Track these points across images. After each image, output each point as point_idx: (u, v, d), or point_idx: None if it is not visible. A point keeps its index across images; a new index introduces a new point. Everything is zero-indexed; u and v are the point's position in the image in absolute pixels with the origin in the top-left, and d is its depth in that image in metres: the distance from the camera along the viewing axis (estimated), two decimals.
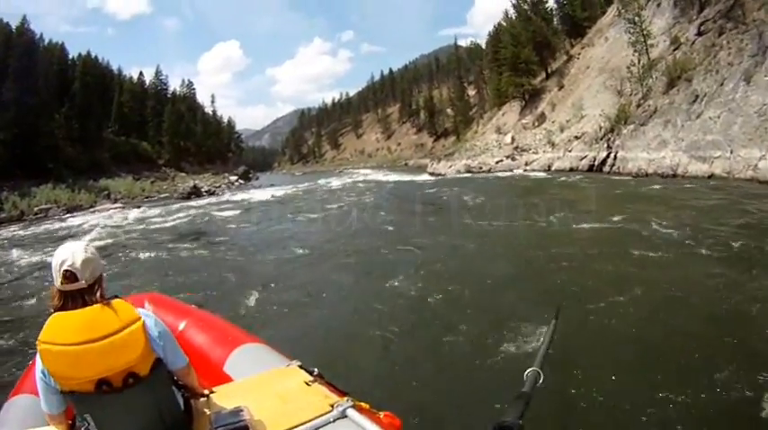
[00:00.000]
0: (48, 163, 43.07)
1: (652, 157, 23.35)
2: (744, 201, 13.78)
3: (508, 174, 35.08)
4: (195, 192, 42.06)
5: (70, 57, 66.53)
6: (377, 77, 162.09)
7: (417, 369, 5.42)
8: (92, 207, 33.67)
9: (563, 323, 3.29)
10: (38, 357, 1.87)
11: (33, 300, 9.18)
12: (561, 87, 44.96)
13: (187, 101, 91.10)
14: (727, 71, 22.87)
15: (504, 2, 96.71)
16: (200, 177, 62.04)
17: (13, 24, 51.87)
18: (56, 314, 1.87)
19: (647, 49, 30.98)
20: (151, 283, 9.63)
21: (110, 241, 17.00)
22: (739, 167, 19.08)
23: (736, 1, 25.61)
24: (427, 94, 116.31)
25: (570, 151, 32.71)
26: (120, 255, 13.87)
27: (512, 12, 59.94)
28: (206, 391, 2.34)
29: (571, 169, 30.53)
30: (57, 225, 24.32)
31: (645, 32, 31.43)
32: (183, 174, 65.47)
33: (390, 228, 15.32)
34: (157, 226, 20.63)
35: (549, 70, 51.97)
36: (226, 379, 2.87)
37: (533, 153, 38.32)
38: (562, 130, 37.02)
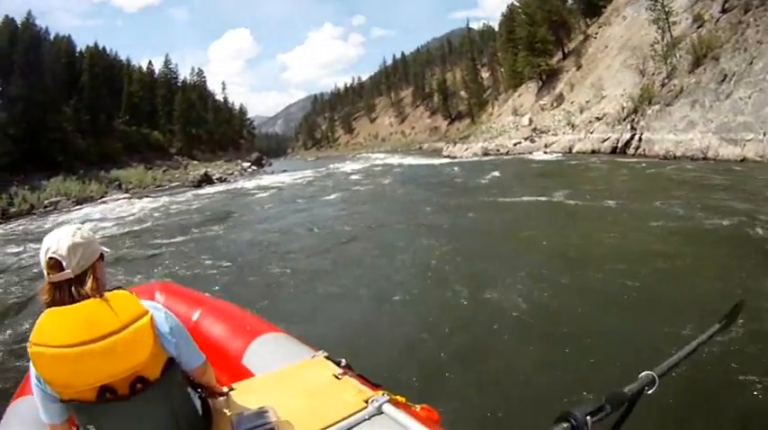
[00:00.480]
0: (57, 156, 43.18)
1: (680, 139, 22.25)
2: None
3: (528, 156, 34.06)
4: (206, 180, 41.49)
5: (78, 49, 66.68)
6: (389, 61, 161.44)
7: (452, 357, 5.02)
8: (102, 197, 33.52)
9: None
10: (31, 362, 1.60)
11: (30, 296, 8.79)
12: (579, 67, 43.89)
13: (197, 89, 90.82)
14: (756, 49, 21.91)
15: None
16: (212, 165, 61.93)
17: (19, 20, 51.74)
18: (47, 310, 1.60)
19: (669, 27, 29.77)
20: (159, 273, 9.48)
21: (115, 231, 16.72)
22: None
23: None
24: (440, 76, 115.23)
25: (592, 133, 31.59)
26: (126, 244, 13.55)
27: None
28: (225, 389, 2.11)
29: (593, 151, 29.52)
30: (62, 217, 24.04)
31: (667, 9, 30.18)
32: (196, 162, 65.22)
33: (409, 215, 14.54)
34: (165, 214, 20.38)
35: (566, 50, 50.96)
36: (245, 373, 2.73)
37: (552, 135, 37.35)
38: (582, 111, 35.94)
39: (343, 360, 2.48)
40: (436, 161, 41.17)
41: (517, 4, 60.23)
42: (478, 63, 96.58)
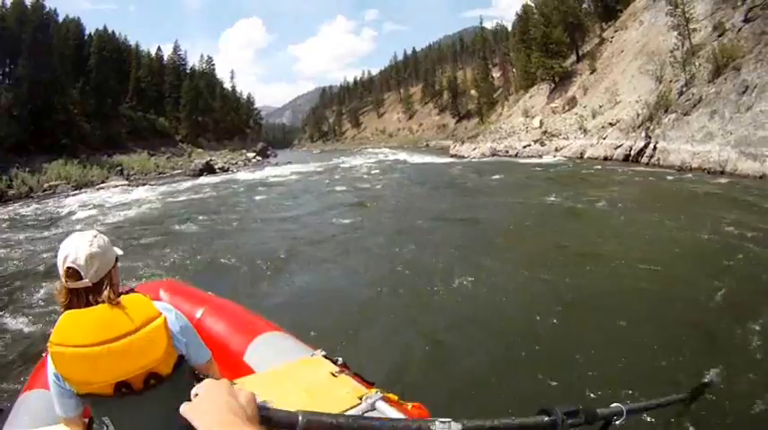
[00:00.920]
0: (62, 138, 43.08)
1: (697, 151, 21.42)
2: None
3: (538, 160, 33.17)
4: (208, 169, 40.89)
5: (87, 33, 66.54)
6: (400, 57, 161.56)
7: (444, 358, 5.25)
8: (103, 182, 33.39)
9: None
10: (49, 359, 1.74)
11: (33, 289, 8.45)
12: (593, 71, 43.03)
13: (206, 76, 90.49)
14: None
15: None
16: (217, 153, 62.00)
17: (29, 2, 51.22)
18: (66, 312, 1.72)
19: (689, 34, 29.02)
20: (149, 268, 9.10)
21: (106, 221, 16.25)
22: None
23: None
24: (451, 74, 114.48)
25: (604, 138, 30.74)
26: (116, 237, 12.80)
27: None
28: None
29: (605, 158, 28.67)
30: (57, 204, 23.49)
31: (688, 16, 29.39)
32: (201, 150, 65.29)
33: (408, 222, 13.72)
34: (157, 205, 19.94)
35: (580, 53, 50.23)
36: (246, 370, 2.84)
37: (563, 139, 36.47)
38: (594, 116, 35.07)
39: (340, 359, 2.65)
40: (443, 160, 40.56)
41: (532, 4, 59.83)
42: (490, 62, 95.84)
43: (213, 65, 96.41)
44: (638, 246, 9.29)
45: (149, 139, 59.42)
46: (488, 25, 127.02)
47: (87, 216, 17.65)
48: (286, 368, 2.62)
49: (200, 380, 1.89)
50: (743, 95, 21.27)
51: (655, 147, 24.61)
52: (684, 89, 25.99)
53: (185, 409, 0.86)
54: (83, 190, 30.04)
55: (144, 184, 30.45)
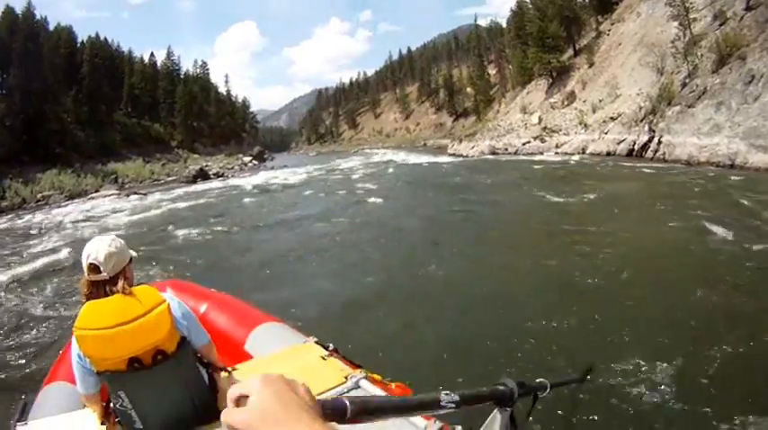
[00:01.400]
0: (56, 148, 42.91)
1: (704, 144, 20.78)
2: None
3: (539, 157, 32.49)
4: (202, 175, 40.20)
5: (80, 40, 66.17)
6: (395, 56, 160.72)
7: (430, 345, 5.59)
8: (97, 191, 32.80)
9: None
10: (74, 342, 2.04)
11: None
12: (592, 65, 42.69)
13: (200, 81, 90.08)
14: None
15: None
16: (213, 158, 61.72)
17: (19, 10, 50.82)
18: (88, 302, 2.02)
19: (689, 24, 28.51)
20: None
21: (84, 236, 15.26)
22: None
23: None
24: (446, 72, 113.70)
25: (606, 133, 30.13)
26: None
27: None
28: (228, 368, 2.47)
29: (608, 153, 28.01)
30: (48, 215, 22.96)
31: (688, 5, 28.89)
32: (196, 156, 65.04)
33: (406, 231, 12.91)
34: (147, 215, 19.37)
35: (577, 47, 49.97)
36: (246, 357, 3.07)
37: (564, 134, 35.90)
38: (595, 111, 34.59)
39: (331, 344, 2.83)
40: (442, 159, 39.87)
41: (527, 1, 59.51)
42: (485, 60, 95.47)
43: (207, 69, 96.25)
44: (641, 248, 8.86)
45: (144, 146, 59.13)
46: (483, 22, 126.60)
47: (67, 231, 17.03)
48: (281, 353, 2.85)
49: (202, 363, 2.29)
50: (749, 85, 20.71)
51: (659, 141, 24.01)
52: (688, 80, 25.42)
53: (232, 419, 0.62)
54: (75, 200, 29.57)
55: (135, 193, 29.64)
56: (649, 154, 24.42)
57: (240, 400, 0.67)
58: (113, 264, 2.08)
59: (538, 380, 1.74)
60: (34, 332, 6.95)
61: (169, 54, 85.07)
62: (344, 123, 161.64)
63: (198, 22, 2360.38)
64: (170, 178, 42.32)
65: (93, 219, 19.56)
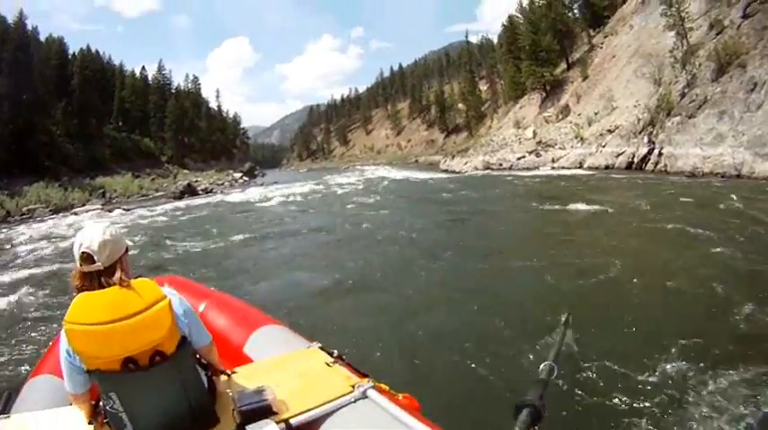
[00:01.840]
0: (44, 160, 42.34)
1: (707, 154, 20.33)
2: None
3: (535, 172, 31.94)
4: (189, 191, 39.04)
5: (71, 52, 65.73)
6: (386, 73, 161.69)
7: (435, 355, 5.34)
8: (83, 206, 31.85)
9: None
10: (62, 337, 1.86)
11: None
12: (586, 77, 42.65)
13: (191, 96, 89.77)
14: None
15: None
16: (203, 174, 61.34)
17: (11, 19, 50.67)
18: (81, 294, 1.84)
19: (686, 33, 28.35)
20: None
21: (50, 252, 14.57)
22: None
23: None
24: (438, 89, 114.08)
25: (604, 146, 29.74)
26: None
27: (526, 1, 58.32)
28: (228, 371, 2.33)
29: (607, 167, 27.60)
30: (27, 229, 21.80)
31: (684, 15, 28.83)
32: (186, 171, 64.54)
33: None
34: (126, 231, 17.74)
35: (570, 60, 50.16)
36: (246, 360, 2.85)
37: (560, 149, 35.53)
38: (590, 124, 34.35)
39: (336, 351, 2.66)
40: (435, 175, 39.05)
41: (519, 16, 60.01)
42: (476, 76, 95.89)
43: (199, 84, 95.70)
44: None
45: (134, 161, 58.65)
46: (474, 39, 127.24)
47: (34, 247, 15.82)
48: (283, 357, 2.68)
49: (201, 364, 2.12)
50: (751, 93, 20.46)
51: (660, 153, 23.65)
52: (687, 90, 25.15)
53: None
54: (60, 214, 28.78)
55: (119, 208, 28.58)
56: (650, 166, 24.05)
57: None
58: (108, 252, 1.90)
59: (543, 365, 1.79)
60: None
61: (160, 68, 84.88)
62: (336, 140, 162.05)
63: (193, 37, 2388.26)
64: (158, 193, 41.48)
65: (69, 236, 18.24)
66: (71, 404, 2.15)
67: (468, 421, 3.94)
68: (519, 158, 38.58)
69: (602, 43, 45.97)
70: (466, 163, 43.72)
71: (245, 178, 64.12)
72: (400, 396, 2.29)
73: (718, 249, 8.30)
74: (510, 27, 63.40)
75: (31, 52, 49.52)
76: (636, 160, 25.45)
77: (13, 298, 8.73)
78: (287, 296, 7.83)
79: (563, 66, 50.08)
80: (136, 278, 1.91)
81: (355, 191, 28.89)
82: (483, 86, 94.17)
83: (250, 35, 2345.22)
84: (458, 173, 40.97)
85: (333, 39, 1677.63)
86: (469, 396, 4.40)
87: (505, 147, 43.03)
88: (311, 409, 2.04)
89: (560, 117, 41.03)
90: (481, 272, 8.61)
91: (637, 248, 9.34)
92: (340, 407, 2.07)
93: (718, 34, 26.68)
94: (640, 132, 26.68)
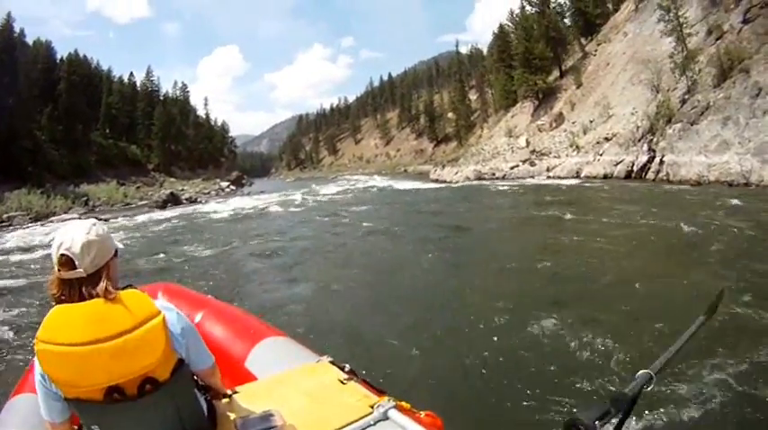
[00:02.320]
0: (28, 166, 41.70)
1: (713, 162, 19.77)
2: None
3: (531, 181, 31.22)
4: (173, 200, 37.83)
5: (59, 57, 65.18)
6: (376, 83, 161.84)
7: (454, 366, 5.08)
8: (66, 213, 30.96)
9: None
10: (36, 359, 1.57)
11: None
12: (580, 85, 42.33)
13: (179, 103, 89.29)
14: None
15: (503, 7, 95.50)
16: (189, 182, 60.93)
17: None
18: (57, 307, 1.56)
19: (684, 39, 27.99)
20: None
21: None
22: None
23: None
24: (427, 98, 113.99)
25: (602, 155, 29.16)
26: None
27: (517, 10, 57.84)
28: (229, 392, 2.07)
29: (605, 176, 26.94)
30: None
31: (682, 20, 28.49)
32: (173, 180, 63.93)
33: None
34: None
35: (563, 68, 49.85)
36: (248, 376, 2.66)
37: (555, 157, 34.97)
38: (586, 132, 33.88)
39: (347, 365, 2.43)
40: (425, 185, 38.09)
41: (510, 24, 60.12)
42: (466, 85, 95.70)
43: (188, 92, 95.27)
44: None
45: (120, 168, 58.06)
46: (463, 49, 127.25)
47: (10, 257, 15.08)
48: (290, 374, 2.40)
49: (200, 387, 1.87)
50: (756, 98, 20.05)
51: (661, 161, 23.12)
52: (687, 96, 24.75)
53: None
54: (40, 221, 27.86)
55: (98, 218, 27.86)
56: (650, 175, 23.53)
57: None
58: (93, 256, 1.57)
59: (640, 373, 1.50)
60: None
61: (149, 74, 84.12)
62: (325, 149, 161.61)
63: (183, 44, 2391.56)
64: (142, 202, 40.53)
65: (42, 245, 17.47)
66: None
67: None
68: (512, 167, 37.97)
69: (595, 51, 45.78)
70: (457, 172, 42.91)
71: (232, 187, 63.40)
72: (422, 414, 2.08)
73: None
74: (501, 35, 63.50)
75: (17, 55, 48.82)
76: (635, 169, 24.88)
77: None
78: (278, 305, 7.52)
79: (556, 73, 49.84)
80: (124, 289, 1.63)
81: (342, 202, 28.13)
82: (473, 96, 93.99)
83: (240, 44, 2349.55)
84: (448, 182, 40.08)
85: (323, 48, 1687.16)
86: (497, 412, 4.12)
87: (497, 157, 42.53)
88: None
89: (554, 125, 40.60)
90: (503, 279, 8.36)
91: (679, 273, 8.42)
92: None
93: (717, 39, 26.42)
94: (639, 140, 26.18)
